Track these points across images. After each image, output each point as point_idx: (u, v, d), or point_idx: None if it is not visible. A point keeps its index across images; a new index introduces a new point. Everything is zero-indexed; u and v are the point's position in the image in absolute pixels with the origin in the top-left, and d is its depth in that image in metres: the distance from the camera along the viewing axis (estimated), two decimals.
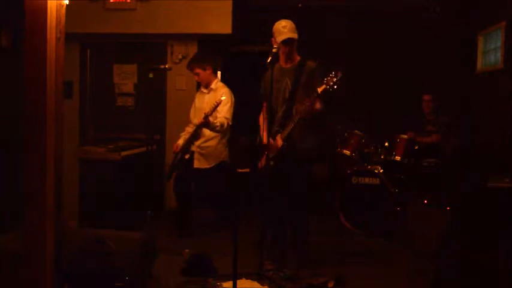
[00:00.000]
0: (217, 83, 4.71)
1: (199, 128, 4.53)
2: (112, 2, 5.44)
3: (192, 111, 4.82)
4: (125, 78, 5.84)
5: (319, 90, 3.53)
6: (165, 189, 5.40)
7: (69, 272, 3.09)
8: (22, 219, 2.89)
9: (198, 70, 4.65)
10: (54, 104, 2.92)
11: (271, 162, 3.71)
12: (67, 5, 3.01)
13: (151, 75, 4.99)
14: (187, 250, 3.89)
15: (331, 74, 3.51)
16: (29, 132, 2.85)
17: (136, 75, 5.82)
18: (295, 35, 3.73)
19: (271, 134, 3.78)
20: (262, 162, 3.78)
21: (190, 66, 4.71)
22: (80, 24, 5.16)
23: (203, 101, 4.69)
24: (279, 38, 3.69)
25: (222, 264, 3.67)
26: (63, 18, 3.00)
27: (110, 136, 5.48)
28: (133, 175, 4.81)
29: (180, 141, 4.74)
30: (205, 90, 4.75)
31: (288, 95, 3.79)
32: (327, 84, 3.49)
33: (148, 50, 5.74)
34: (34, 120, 2.84)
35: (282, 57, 3.85)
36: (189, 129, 4.75)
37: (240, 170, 3.98)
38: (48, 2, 2.81)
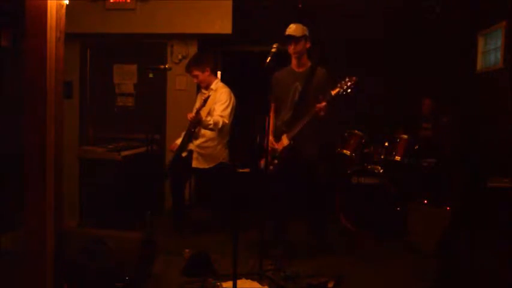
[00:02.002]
0: (217, 83, 4.67)
1: (191, 125, 4.45)
2: (112, 2, 5.44)
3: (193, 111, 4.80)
4: (125, 78, 5.85)
5: (333, 92, 3.71)
6: (165, 189, 5.40)
7: (69, 272, 3.09)
8: (22, 219, 2.90)
9: (196, 72, 4.60)
10: (54, 104, 2.92)
11: (275, 161, 3.89)
12: (67, 5, 3.02)
13: (151, 75, 4.98)
14: (187, 250, 3.89)
15: (347, 78, 3.68)
16: (29, 132, 2.85)
17: (136, 75, 5.82)
18: (295, 33, 3.87)
19: (277, 134, 3.96)
20: (263, 161, 3.88)
21: (189, 69, 4.66)
22: (80, 24, 5.16)
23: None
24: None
25: (222, 264, 3.67)
26: (63, 18, 3.00)
27: (110, 136, 5.48)
28: (133, 175, 4.81)
29: (178, 141, 4.71)
30: (205, 91, 4.71)
31: (298, 97, 3.94)
32: (341, 87, 3.69)
33: (148, 50, 5.74)
34: (34, 120, 2.84)
35: (294, 61, 4.03)
36: None
37: (240, 170, 3.99)
38: (48, 2, 2.82)
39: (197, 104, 4.78)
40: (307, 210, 4.17)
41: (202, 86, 4.74)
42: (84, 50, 5.79)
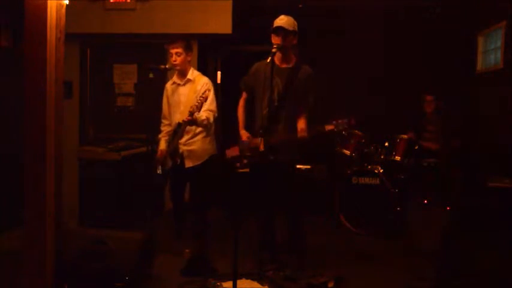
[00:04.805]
0: (193, 73, 4.22)
1: (185, 125, 3.97)
2: (112, 2, 5.44)
3: (165, 107, 4.26)
4: (125, 78, 5.84)
5: (327, 128, 3.50)
6: (165, 189, 5.39)
7: (69, 272, 3.09)
8: (22, 219, 2.90)
9: (181, 50, 4.13)
10: (54, 104, 2.93)
11: (245, 160, 3.61)
12: (67, 5, 3.02)
13: (151, 75, 4.96)
14: (187, 250, 3.89)
15: (345, 119, 3.47)
16: (28, 132, 2.85)
17: (137, 75, 5.81)
18: (286, 26, 3.58)
19: (253, 134, 3.71)
20: (234, 152, 3.73)
21: (175, 43, 4.17)
22: (80, 24, 5.16)
23: (179, 94, 4.17)
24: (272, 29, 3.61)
25: (222, 264, 3.68)
26: (63, 18, 3.00)
27: (110, 136, 5.47)
28: (134, 175, 4.81)
29: (163, 146, 4.24)
30: (179, 81, 4.23)
31: (277, 96, 3.67)
32: (336, 127, 3.48)
33: (148, 50, 5.74)
34: (34, 120, 2.84)
35: (277, 55, 3.71)
36: (166, 128, 4.25)
37: (240, 170, 3.95)
38: (48, 2, 2.82)
39: (170, 98, 4.30)
40: (285, 212, 3.93)
41: (178, 70, 4.21)
42: (84, 50, 5.79)
